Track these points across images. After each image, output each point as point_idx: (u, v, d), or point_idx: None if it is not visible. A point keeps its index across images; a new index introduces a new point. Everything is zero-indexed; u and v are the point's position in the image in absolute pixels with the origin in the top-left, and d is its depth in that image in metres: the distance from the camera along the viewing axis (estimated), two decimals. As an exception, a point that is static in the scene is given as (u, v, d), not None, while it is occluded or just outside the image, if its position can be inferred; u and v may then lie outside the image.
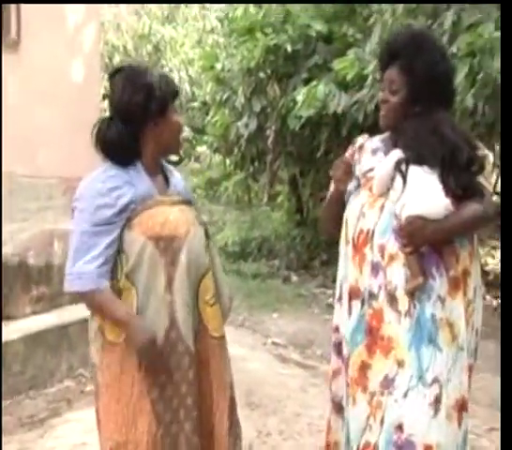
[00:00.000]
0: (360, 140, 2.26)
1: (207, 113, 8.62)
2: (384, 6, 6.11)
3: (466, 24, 5.15)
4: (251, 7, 6.88)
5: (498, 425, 3.27)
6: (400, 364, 1.92)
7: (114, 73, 1.95)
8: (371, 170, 2.09)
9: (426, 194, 1.90)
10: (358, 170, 2.15)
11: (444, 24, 5.19)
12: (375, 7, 6.92)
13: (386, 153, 2.10)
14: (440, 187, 1.90)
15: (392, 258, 1.95)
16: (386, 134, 2.20)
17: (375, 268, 1.99)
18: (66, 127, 4.50)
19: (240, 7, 6.84)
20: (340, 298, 2.14)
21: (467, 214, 1.93)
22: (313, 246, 8.93)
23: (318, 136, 6.63)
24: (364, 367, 1.99)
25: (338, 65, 6.12)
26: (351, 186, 2.15)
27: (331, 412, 2.22)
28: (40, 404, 3.56)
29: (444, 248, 1.95)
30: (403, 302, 1.93)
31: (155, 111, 1.88)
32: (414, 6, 5.62)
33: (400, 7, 5.76)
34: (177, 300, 1.89)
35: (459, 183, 1.92)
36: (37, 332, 3.81)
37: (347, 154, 2.22)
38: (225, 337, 2.07)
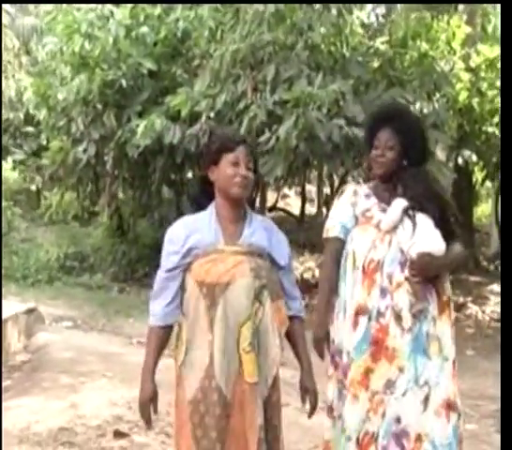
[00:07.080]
0: (351, 187, 2.65)
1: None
2: (211, 51, 7.11)
3: (284, 77, 6.42)
4: (87, 44, 7.48)
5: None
6: (401, 370, 2.36)
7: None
8: (368, 210, 2.52)
9: (432, 236, 2.43)
10: (356, 210, 2.55)
11: (267, 76, 6.40)
12: (197, 51, 7.98)
13: (379, 197, 2.54)
14: (438, 231, 2.43)
15: (399, 285, 2.39)
16: (374, 182, 2.66)
17: (383, 292, 2.40)
18: None
19: (78, 42, 7.40)
20: (340, 313, 2.50)
21: (458, 253, 2.52)
22: (134, 260, 9.70)
23: (154, 163, 7.47)
24: (367, 371, 2.38)
25: (172, 101, 7.00)
26: (349, 223, 2.54)
27: (328, 411, 2.51)
28: None
29: (436, 280, 2.44)
30: (407, 320, 2.37)
31: (208, 162, 2.20)
32: (241, 56, 6.72)
33: (228, 55, 6.83)
34: (216, 342, 2.07)
35: (447, 229, 2.47)
36: None
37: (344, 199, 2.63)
38: (258, 383, 2.12)
